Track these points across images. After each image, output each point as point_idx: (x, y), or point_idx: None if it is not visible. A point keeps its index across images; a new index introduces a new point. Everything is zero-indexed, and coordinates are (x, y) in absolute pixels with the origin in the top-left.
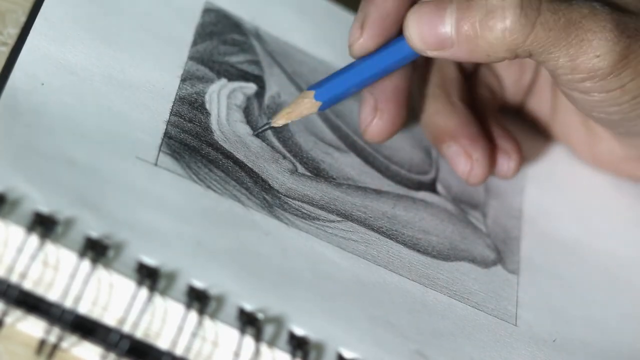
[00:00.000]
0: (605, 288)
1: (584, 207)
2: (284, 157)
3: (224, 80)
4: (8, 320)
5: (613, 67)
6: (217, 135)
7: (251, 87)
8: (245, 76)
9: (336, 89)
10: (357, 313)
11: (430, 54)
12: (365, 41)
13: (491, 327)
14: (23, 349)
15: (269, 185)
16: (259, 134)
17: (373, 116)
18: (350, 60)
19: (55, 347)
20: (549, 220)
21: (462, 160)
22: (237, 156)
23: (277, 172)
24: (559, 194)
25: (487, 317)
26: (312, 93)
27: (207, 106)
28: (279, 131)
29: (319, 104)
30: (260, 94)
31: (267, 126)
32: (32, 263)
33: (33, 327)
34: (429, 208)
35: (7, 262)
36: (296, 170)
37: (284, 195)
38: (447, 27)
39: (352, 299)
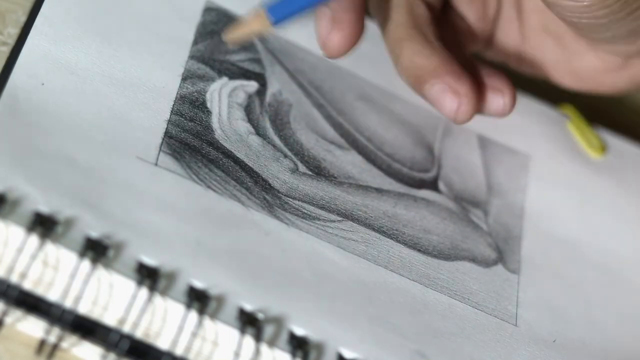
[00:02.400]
0: (606, 288)
1: (586, 206)
2: (285, 156)
3: (225, 79)
4: (8, 320)
5: None
6: (218, 134)
7: (252, 85)
8: (246, 74)
9: (288, 5)
10: (357, 313)
11: None
12: None
13: (491, 327)
14: (23, 349)
15: (270, 184)
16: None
17: (331, 28)
18: None
19: (55, 347)
20: (551, 219)
21: (447, 97)
22: (238, 155)
23: (278, 171)
24: (561, 193)
25: (488, 317)
26: (264, 10)
27: (208, 105)
28: (280, 129)
29: (270, 23)
30: (261, 92)
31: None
32: (32, 263)
33: (33, 327)
34: (430, 207)
35: (7, 262)
36: (297, 169)
37: (285, 195)
38: None
39: (352, 298)
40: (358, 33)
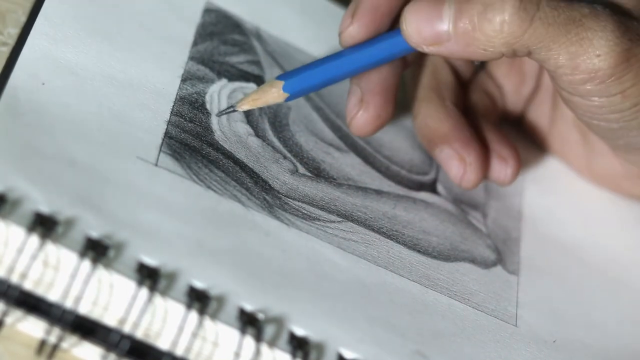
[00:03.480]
0: (605, 289)
1: (584, 208)
2: (285, 157)
3: (224, 81)
4: (8, 320)
5: (614, 69)
6: (218, 135)
7: (251, 88)
8: (245, 76)
9: (306, 82)
10: (357, 313)
11: (426, 49)
12: (355, 29)
13: (491, 327)
14: (23, 349)
15: (270, 185)
16: (221, 115)
17: (359, 108)
18: None
19: (55, 347)
20: (549, 221)
21: (455, 163)
22: (238, 156)
23: (278, 173)
24: (558, 195)
25: (488, 317)
26: (281, 83)
27: (208, 106)
28: (279, 131)
29: (286, 95)
30: None
31: (231, 109)
32: (33, 263)
33: (33, 327)
34: (430, 208)
35: (8, 262)
36: (297, 171)
37: (285, 196)
38: (445, 20)
39: (352, 299)
40: (385, 117)
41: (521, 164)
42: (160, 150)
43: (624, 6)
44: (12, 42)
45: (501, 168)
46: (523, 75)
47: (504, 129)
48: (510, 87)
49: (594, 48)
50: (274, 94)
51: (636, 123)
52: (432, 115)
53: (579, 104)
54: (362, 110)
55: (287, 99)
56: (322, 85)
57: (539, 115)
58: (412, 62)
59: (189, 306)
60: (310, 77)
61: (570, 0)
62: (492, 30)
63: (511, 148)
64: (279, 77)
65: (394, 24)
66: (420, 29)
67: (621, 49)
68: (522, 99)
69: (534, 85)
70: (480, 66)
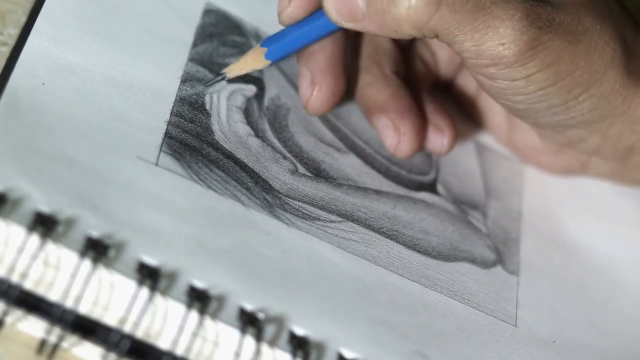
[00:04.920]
0: (605, 289)
1: (583, 208)
2: (285, 158)
3: (223, 82)
4: (9, 320)
5: (518, 57)
6: (218, 136)
7: (251, 89)
8: (244, 78)
9: (286, 48)
10: (357, 313)
11: (345, 25)
12: (292, 10)
13: (491, 327)
14: (24, 349)
15: (270, 185)
16: (210, 84)
17: (312, 90)
18: None
19: (55, 347)
20: (548, 221)
21: (389, 133)
22: (238, 156)
23: (278, 173)
24: (558, 196)
25: (487, 317)
26: (264, 50)
27: (207, 107)
28: (279, 132)
29: (268, 62)
30: (259, 96)
31: (220, 78)
32: (33, 263)
33: (34, 327)
34: (430, 209)
35: (8, 262)
36: (297, 171)
37: (285, 196)
38: (359, 0)
39: (352, 299)
40: (338, 93)
41: (457, 135)
42: (161, 150)
43: None
44: (12, 42)
45: (437, 138)
46: None
47: (439, 96)
48: (444, 55)
49: (499, 36)
50: (258, 61)
51: (541, 106)
52: (370, 84)
53: (485, 83)
54: (315, 92)
55: (271, 62)
56: (298, 48)
57: (466, 84)
58: (352, 35)
59: (189, 306)
60: (290, 43)
61: None
62: (398, 15)
63: (448, 118)
64: (262, 44)
65: None
66: (338, 7)
67: (527, 38)
68: (454, 67)
69: None
70: None
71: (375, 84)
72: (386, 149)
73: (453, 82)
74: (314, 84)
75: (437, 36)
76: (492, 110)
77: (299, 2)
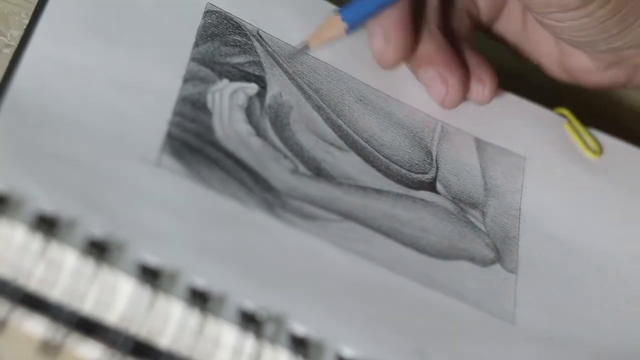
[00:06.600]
0: (603, 287)
1: (582, 206)
2: (285, 157)
3: (225, 81)
4: (11, 319)
5: (582, 1)
6: (219, 135)
7: (253, 88)
8: (246, 77)
9: (360, 13)
10: (357, 312)
11: None
12: None
13: (489, 325)
14: (26, 349)
15: (270, 185)
16: (294, 56)
17: (385, 44)
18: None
19: (58, 346)
20: (547, 219)
21: (438, 84)
22: (239, 156)
23: (278, 172)
24: (557, 194)
25: (486, 315)
26: (338, 18)
27: (209, 106)
28: (280, 130)
29: (345, 27)
30: (261, 94)
31: (302, 48)
32: (36, 262)
33: (36, 326)
34: (429, 207)
35: (11, 262)
36: (297, 170)
37: (285, 195)
38: None
39: (352, 297)
40: (409, 44)
41: (498, 85)
42: (162, 150)
43: None
44: (15, 44)
45: (479, 89)
46: None
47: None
48: (485, 1)
49: None
50: (335, 27)
51: (600, 37)
52: (417, 38)
53: (550, 25)
54: (388, 45)
55: (348, 30)
56: (374, 12)
57: (510, 22)
58: None
59: (191, 305)
60: (364, 8)
61: None
62: None
63: (487, 68)
64: (338, 13)
65: None
66: None
67: None
68: (495, 10)
69: None
70: None
71: (422, 39)
72: (433, 99)
73: (493, 26)
74: (386, 39)
75: None
76: (541, 42)
77: None
